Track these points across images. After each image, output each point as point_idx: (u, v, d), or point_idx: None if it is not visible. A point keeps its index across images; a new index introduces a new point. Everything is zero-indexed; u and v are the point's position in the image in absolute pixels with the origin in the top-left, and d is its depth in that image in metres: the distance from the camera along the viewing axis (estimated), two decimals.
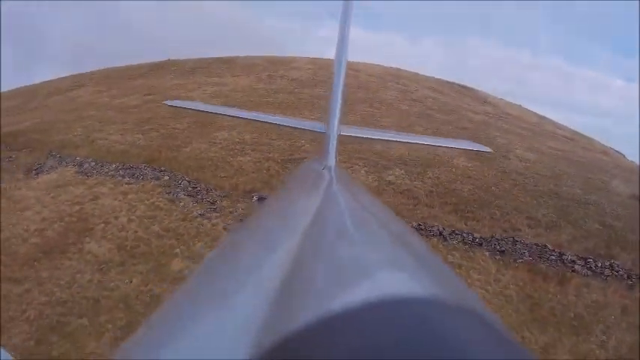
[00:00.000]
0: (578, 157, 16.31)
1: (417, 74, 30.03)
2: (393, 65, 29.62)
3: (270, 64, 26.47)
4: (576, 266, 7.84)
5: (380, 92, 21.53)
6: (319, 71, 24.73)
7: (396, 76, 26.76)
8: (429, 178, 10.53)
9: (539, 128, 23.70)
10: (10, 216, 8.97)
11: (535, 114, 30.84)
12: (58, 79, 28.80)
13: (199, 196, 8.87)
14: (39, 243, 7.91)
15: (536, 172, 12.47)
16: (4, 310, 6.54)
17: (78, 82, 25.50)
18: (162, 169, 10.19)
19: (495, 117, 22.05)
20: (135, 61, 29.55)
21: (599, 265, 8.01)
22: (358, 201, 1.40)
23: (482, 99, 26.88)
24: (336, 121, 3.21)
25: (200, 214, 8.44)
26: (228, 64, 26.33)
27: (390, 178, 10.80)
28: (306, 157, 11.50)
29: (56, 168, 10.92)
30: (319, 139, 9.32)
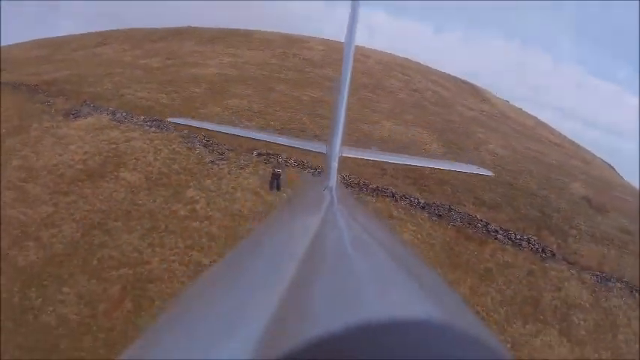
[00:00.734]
0: (551, 160, 18.46)
1: (425, 67, 32.23)
2: (412, 54, 31.86)
3: (286, 41, 28.94)
4: (498, 235, 10.23)
5: (383, 80, 23.85)
6: (330, 53, 27.23)
7: (404, 66, 29.05)
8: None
9: (531, 131, 25.95)
10: (57, 148, 11.46)
11: (534, 118, 33.09)
12: (82, 34, 31.09)
13: (211, 148, 11.30)
14: (82, 169, 10.41)
15: (499, 165, 14.73)
16: (58, 212, 9.05)
17: (102, 40, 27.87)
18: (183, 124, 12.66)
19: (488, 115, 24.21)
20: (156, 24, 31.90)
21: (518, 237, 10.40)
22: (358, 222, 1.40)
23: (482, 97, 29.06)
24: (337, 143, 3.39)
25: (211, 161, 10.87)
26: (245, 37, 28.64)
27: None
28: (302, 128, 13.92)
29: (92, 114, 13.34)
30: (316, 114, 12.06)
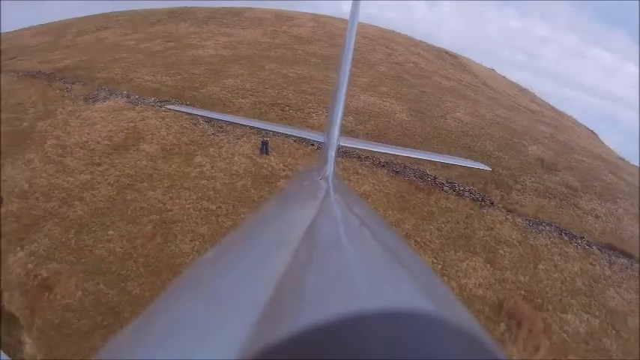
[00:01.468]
0: (516, 126, 20.62)
1: (411, 39, 34.49)
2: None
3: (277, 19, 31.19)
4: (445, 187, 13.00)
5: (366, 54, 26.04)
6: (318, 29, 29.52)
7: (389, 39, 31.26)
8: (370, 124, 15.57)
9: (508, 99, 28.15)
10: (84, 128, 14.22)
11: (517, 87, 35.42)
12: (81, 18, 33.15)
13: (212, 123, 14.01)
14: (109, 144, 13.20)
15: (462, 131, 17.33)
16: (94, 178, 11.88)
17: (103, 23, 30.14)
18: (187, 103, 15.41)
19: (466, 85, 26.48)
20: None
21: (462, 188, 13.17)
22: (354, 212, 1.44)
23: (464, 68, 31.39)
24: (335, 132, 3.48)
25: (213, 133, 13.63)
26: (238, 16, 30.97)
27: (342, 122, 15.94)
28: (288, 103, 16.62)
29: (109, 98, 16.04)
30: (300, 90, 15.22)
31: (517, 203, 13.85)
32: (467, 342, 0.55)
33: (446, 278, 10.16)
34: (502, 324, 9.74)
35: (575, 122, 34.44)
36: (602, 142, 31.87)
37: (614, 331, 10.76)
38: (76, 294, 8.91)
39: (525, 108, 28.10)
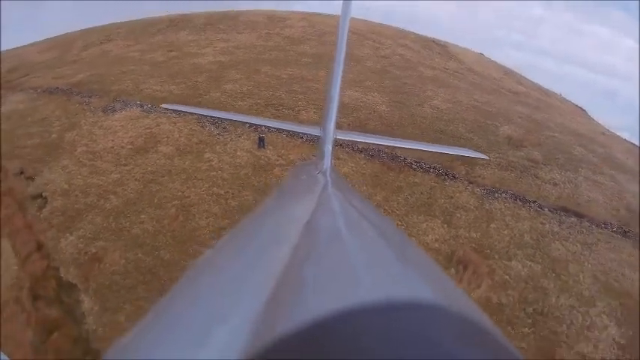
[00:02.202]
0: (492, 108, 22.87)
1: (400, 31, 36.81)
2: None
3: (269, 21, 33.95)
4: (413, 166, 16.14)
5: (355, 49, 28.45)
6: (308, 29, 32.22)
7: (377, 33, 33.81)
8: (352, 117, 18.71)
9: (492, 83, 30.61)
10: (108, 135, 17.49)
11: (504, 70, 37.64)
12: (82, 31, 36.11)
13: (217, 125, 17.23)
14: (132, 147, 16.48)
15: (436, 117, 20.30)
16: (123, 176, 15.15)
17: (105, 37, 32.80)
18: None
19: (450, 72, 29.06)
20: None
21: (428, 166, 16.28)
22: (352, 205, 1.50)
23: (450, 55, 34.08)
24: (331, 126, 3.79)
25: (218, 133, 16.89)
26: (233, 20, 33.74)
27: None
28: (281, 103, 19.78)
29: (124, 109, 19.31)
30: (291, 90, 18.85)
31: (479, 176, 16.32)
32: (469, 329, 0.58)
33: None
34: (452, 269, 12.72)
35: (562, 100, 37.02)
36: (590, 119, 34.51)
37: (554, 274, 13.13)
38: (121, 262, 12.14)
39: (509, 90, 30.61)
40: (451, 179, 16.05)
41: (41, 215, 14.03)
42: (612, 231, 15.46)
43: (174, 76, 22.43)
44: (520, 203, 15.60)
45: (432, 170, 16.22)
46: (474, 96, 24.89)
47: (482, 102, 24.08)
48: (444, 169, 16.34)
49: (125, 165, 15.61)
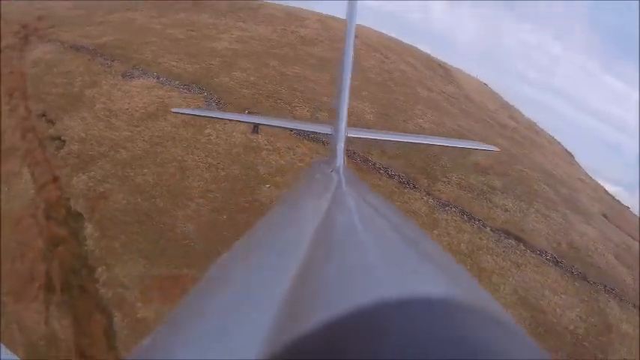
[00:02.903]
0: (472, 135, 25.05)
1: (409, 48, 39.49)
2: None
3: (287, 17, 36.80)
4: (380, 171, 19.35)
5: (361, 60, 31.37)
6: (322, 32, 34.99)
7: (387, 47, 36.59)
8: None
9: (483, 113, 33.23)
10: (125, 98, 20.80)
11: (502, 103, 40.44)
12: None
13: (220, 106, 20.50)
14: (144, 112, 19.78)
15: (416, 133, 23.74)
16: (133, 135, 18.49)
17: (132, 5, 35.32)
18: (203, 88, 22.01)
19: (445, 96, 31.86)
20: None
21: (393, 173, 19.47)
22: (368, 202, 1.55)
23: (450, 79, 36.97)
24: (343, 124, 3.92)
25: None
26: (254, 11, 36.46)
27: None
28: (280, 97, 23.09)
29: (142, 77, 22.53)
30: (293, 87, 22.72)
31: (438, 190, 18.71)
32: (493, 326, 0.59)
33: None
34: None
35: (552, 141, 39.77)
36: (574, 164, 37.18)
37: (477, 280, 16.84)
38: (122, 202, 15.35)
39: (498, 123, 33.24)
40: (411, 188, 18.93)
41: (59, 155, 17.18)
42: (546, 258, 17.14)
43: (191, 55, 25.58)
44: (466, 218, 17.61)
45: (396, 177, 19.22)
46: (460, 122, 27.61)
47: (465, 128, 26.74)
48: (408, 179, 19.49)
49: (137, 126, 18.90)
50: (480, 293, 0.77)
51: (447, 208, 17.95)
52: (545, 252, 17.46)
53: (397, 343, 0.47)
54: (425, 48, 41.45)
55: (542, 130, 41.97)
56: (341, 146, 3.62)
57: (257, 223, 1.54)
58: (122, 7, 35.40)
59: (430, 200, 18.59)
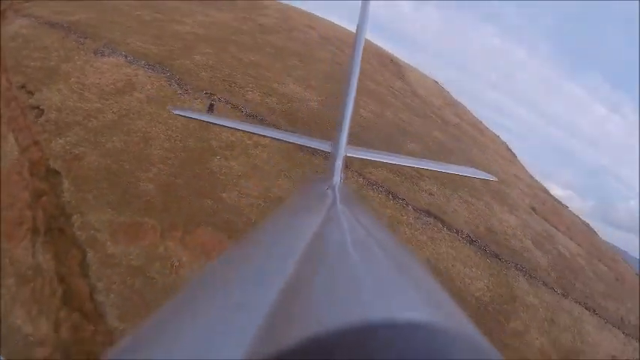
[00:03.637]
0: (411, 128, 28.06)
1: (366, 42, 44.25)
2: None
3: (249, 5, 39.88)
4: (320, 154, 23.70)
5: (316, 51, 34.93)
6: (281, 22, 38.31)
7: (343, 41, 39.70)
8: (287, 106, 25.99)
9: (426, 108, 36.85)
10: (96, 74, 24.43)
11: (450, 101, 44.41)
12: None
13: (181, 86, 24.05)
14: (113, 87, 23.35)
15: (356, 122, 27.70)
16: (104, 106, 22.29)
17: None
18: (166, 69, 25.56)
19: (392, 90, 35.35)
20: None
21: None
22: (360, 222, 1.58)
23: (401, 75, 40.72)
24: (343, 142, 4.05)
25: (179, 93, 23.54)
26: None
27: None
28: (234, 81, 27.03)
29: (112, 55, 25.94)
30: (247, 73, 27.26)
31: (369, 173, 19.65)
32: (470, 351, 0.63)
33: None
34: None
35: (495, 141, 43.46)
36: (514, 163, 40.94)
37: None
38: (95, 164, 18.83)
39: (441, 119, 36.60)
40: (346, 168, 23.26)
41: (38, 122, 20.51)
42: (462, 237, 18.71)
43: (156, 37, 28.68)
44: (391, 197, 19.14)
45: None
46: (401, 115, 30.71)
47: (405, 121, 29.63)
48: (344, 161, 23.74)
49: (106, 100, 22.44)
50: (462, 320, 0.83)
51: (374, 187, 19.47)
52: (462, 231, 19.08)
53: None
54: (388, 45, 45.13)
55: (487, 129, 45.88)
56: (339, 164, 3.72)
57: (250, 233, 1.70)
58: None
59: (360, 179, 19.62)
